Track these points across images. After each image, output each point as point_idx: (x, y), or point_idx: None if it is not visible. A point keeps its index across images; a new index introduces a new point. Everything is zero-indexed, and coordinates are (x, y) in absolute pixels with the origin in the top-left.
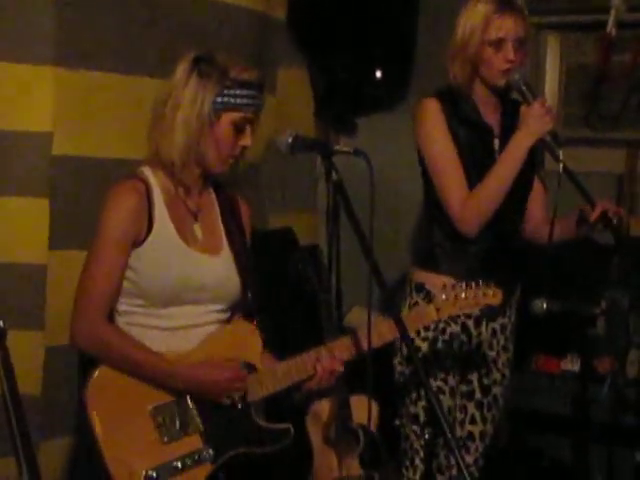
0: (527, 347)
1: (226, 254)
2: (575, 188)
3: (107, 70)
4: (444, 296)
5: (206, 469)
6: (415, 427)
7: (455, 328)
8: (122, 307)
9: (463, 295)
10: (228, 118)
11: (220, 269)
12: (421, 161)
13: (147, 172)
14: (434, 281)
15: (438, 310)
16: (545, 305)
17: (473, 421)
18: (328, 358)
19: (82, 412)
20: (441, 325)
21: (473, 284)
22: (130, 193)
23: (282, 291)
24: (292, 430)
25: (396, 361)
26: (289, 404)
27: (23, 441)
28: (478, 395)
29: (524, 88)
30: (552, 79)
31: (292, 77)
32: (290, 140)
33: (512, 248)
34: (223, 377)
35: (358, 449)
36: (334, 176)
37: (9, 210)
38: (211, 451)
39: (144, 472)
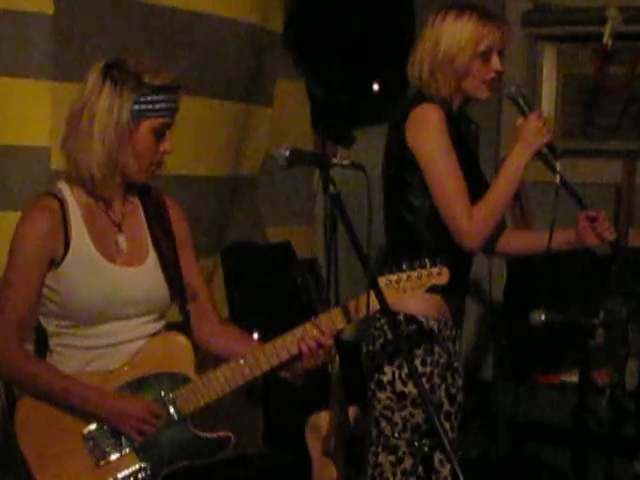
0: (526, 359)
1: (152, 261)
2: (572, 199)
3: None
4: (385, 281)
5: None
6: (392, 457)
7: (445, 358)
8: (52, 328)
9: (406, 276)
10: (147, 125)
11: (146, 279)
12: (403, 167)
13: (63, 188)
14: (422, 307)
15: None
16: (543, 316)
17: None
18: (314, 334)
19: (12, 447)
20: (435, 358)
21: (417, 263)
22: (42, 213)
23: (281, 304)
24: (233, 438)
25: (383, 395)
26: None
27: None
28: (446, 407)
29: (520, 100)
30: (549, 90)
31: (289, 89)
32: (287, 153)
33: (471, 261)
34: (134, 412)
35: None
36: (332, 189)
37: (8, 225)
38: (149, 470)
39: None
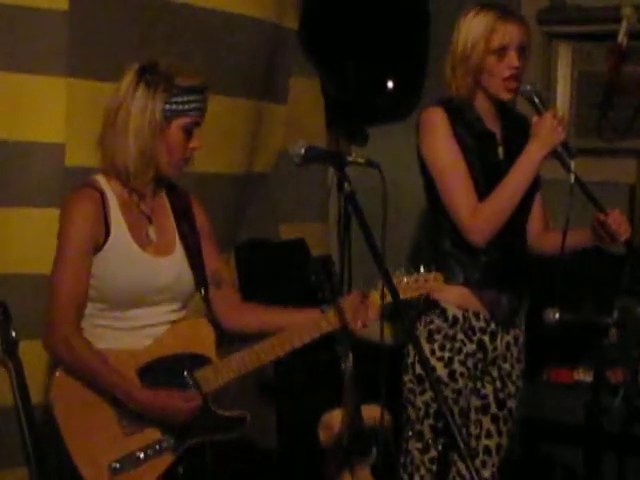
0: (540, 357)
1: (179, 253)
2: (587, 198)
3: (119, 81)
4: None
5: (168, 458)
6: (419, 444)
7: (471, 347)
8: (86, 310)
9: (405, 280)
10: (178, 124)
11: (173, 269)
12: (424, 170)
13: (101, 180)
14: (446, 296)
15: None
16: (557, 315)
17: (489, 435)
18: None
19: (48, 412)
20: (457, 345)
21: (413, 269)
22: (86, 201)
23: (294, 301)
24: (248, 417)
25: (407, 378)
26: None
27: (35, 451)
28: (494, 409)
29: (536, 99)
30: (563, 89)
31: (304, 87)
32: (303, 151)
33: (521, 258)
34: (184, 407)
35: (370, 458)
36: (347, 187)
37: (22, 220)
38: (171, 440)
39: (108, 464)
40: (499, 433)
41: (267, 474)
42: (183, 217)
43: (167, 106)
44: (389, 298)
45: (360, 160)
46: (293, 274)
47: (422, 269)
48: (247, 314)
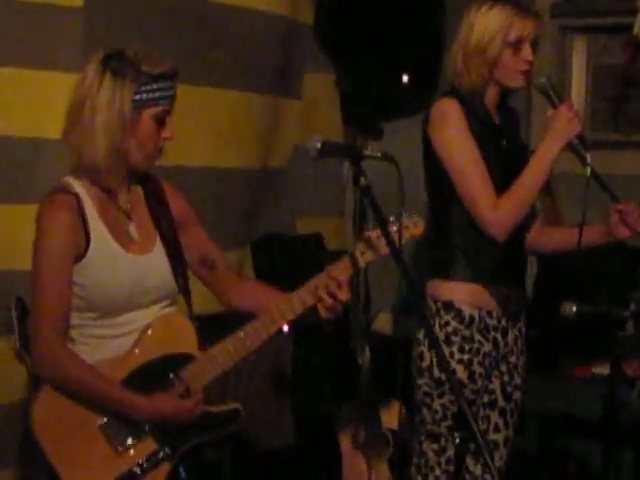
0: (557, 351)
1: (158, 248)
2: (602, 191)
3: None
4: (372, 234)
5: (165, 467)
6: (435, 445)
7: (488, 346)
8: (74, 321)
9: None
10: (149, 114)
11: (158, 266)
12: (430, 162)
13: (73, 183)
14: (459, 296)
15: (363, 254)
16: (574, 308)
17: (497, 429)
18: (326, 284)
19: (30, 435)
20: (475, 346)
21: (392, 218)
22: (62, 209)
23: None
24: (241, 409)
25: (422, 382)
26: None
27: None
28: (501, 403)
29: (551, 91)
30: (578, 82)
31: (319, 81)
32: (319, 145)
33: (524, 252)
34: (185, 407)
35: (387, 453)
36: (362, 181)
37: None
38: (167, 449)
39: None
40: (506, 426)
41: (284, 470)
42: (157, 207)
43: (137, 96)
44: (365, 259)
45: (376, 154)
46: (310, 268)
47: (404, 216)
48: (246, 296)
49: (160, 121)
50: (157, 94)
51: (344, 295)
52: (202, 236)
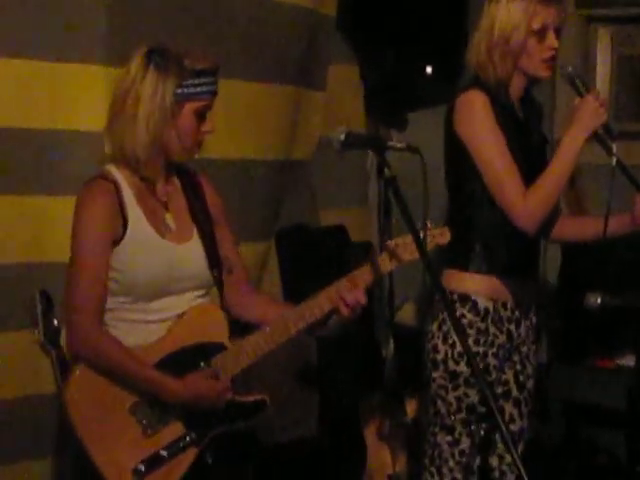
0: (582, 342)
1: (195, 239)
2: (627, 181)
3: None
4: (394, 243)
5: (192, 453)
6: (449, 437)
7: (502, 338)
8: (107, 305)
9: (410, 240)
10: (189, 108)
11: (194, 255)
12: (453, 153)
13: (113, 171)
14: (476, 287)
15: (391, 259)
16: (599, 300)
17: (512, 420)
18: (349, 289)
19: (63, 419)
20: (490, 338)
21: (419, 225)
22: (101, 195)
23: None
24: (268, 400)
25: (437, 375)
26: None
27: None
28: (515, 393)
29: (577, 81)
30: (603, 72)
31: (342, 73)
32: (343, 137)
33: (539, 243)
34: (215, 389)
35: (411, 444)
36: (387, 172)
37: (62, 209)
38: (194, 435)
39: (132, 467)
40: (521, 416)
41: (308, 461)
42: (196, 200)
43: (179, 90)
44: (389, 266)
45: (400, 145)
46: (334, 260)
47: (429, 225)
48: (253, 307)
49: (201, 115)
50: (198, 89)
51: (362, 300)
52: (227, 238)
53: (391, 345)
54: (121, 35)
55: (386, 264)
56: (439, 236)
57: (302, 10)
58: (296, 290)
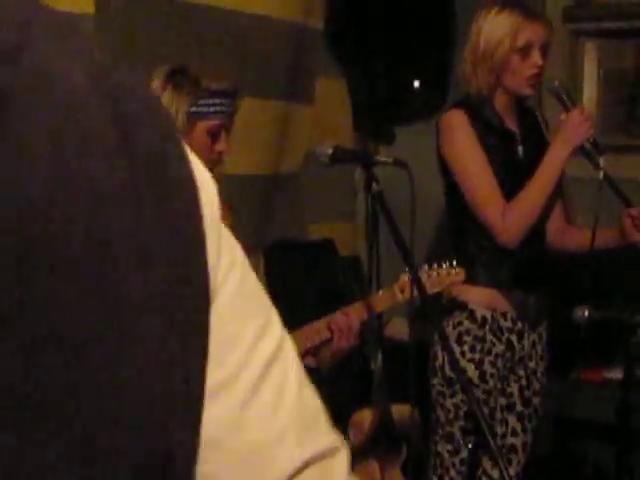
0: (570, 356)
1: None
2: (615, 195)
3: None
4: (407, 277)
5: None
6: (449, 446)
7: (501, 347)
8: None
9: (426, 276)
10: (202, 126)
11: None
12: (445, 173)
13: None
14: (475, 299)
15: (403, 291)
16: (587, 313)
17: (514, 433)
18: (343, 317)
19: None
20: (487, 346)
21: (435, 264)
22: None
23: (323, 301)
24: None
25: (435, 381)
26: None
27: None
28: (519, 407)
29: (564, 96)
30: (590, 86)
31: (330, 87)
32: (330, 151)
33: (542, 256)
34: None
35: (400, 459)
36: (374, 187)
37: None
38: None
39: None
40: (524, 431)
41: None
42: None
43: (192, 108)
44: (381, 307)
45: (387, 159)
46: (322, 274)
47: (446, 264)
48: None
49: (214, 135)
50: (212, 109)
51: (353, 340)
52: None
53: (379, 359)
54: (110, 51)
55: (380, 305)
56: (454, 275)
57: (290, 24)
58: (283, 304)
